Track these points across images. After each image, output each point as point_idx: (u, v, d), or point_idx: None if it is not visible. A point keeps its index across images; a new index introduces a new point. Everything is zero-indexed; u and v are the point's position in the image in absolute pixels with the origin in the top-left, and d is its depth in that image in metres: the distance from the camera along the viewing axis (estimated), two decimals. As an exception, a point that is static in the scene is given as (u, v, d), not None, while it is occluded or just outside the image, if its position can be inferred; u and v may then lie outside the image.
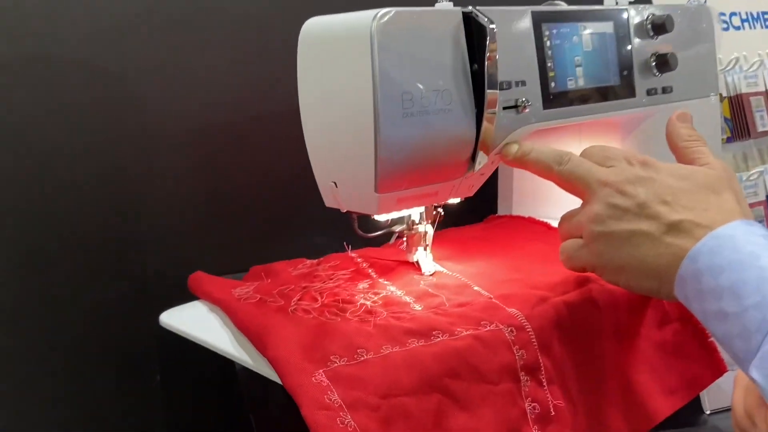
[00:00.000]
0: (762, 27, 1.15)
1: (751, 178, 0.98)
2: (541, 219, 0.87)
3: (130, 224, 0.83)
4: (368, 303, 0.61)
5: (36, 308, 0.77)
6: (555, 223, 0.83)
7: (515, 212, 0.91)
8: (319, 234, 0.97)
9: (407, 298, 0.62)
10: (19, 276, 0.76)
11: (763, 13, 1.16)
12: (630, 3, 0.80)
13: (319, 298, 0.62)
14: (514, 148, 0.65)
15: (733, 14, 1.12)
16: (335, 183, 0.64)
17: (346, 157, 0.62)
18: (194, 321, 0.64)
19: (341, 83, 0.60)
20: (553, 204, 0.87)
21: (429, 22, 0.60)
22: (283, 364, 0.51)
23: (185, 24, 0.85)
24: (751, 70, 1.03)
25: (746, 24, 1.13)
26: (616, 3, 0.79)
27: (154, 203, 0.85)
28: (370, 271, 0.70)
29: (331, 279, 0.68)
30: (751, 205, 0.99)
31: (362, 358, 0.52)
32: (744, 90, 1.02)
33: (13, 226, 0.75)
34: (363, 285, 0.66)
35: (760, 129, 1.02)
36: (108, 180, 0.81)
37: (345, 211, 0.66)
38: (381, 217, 0.66)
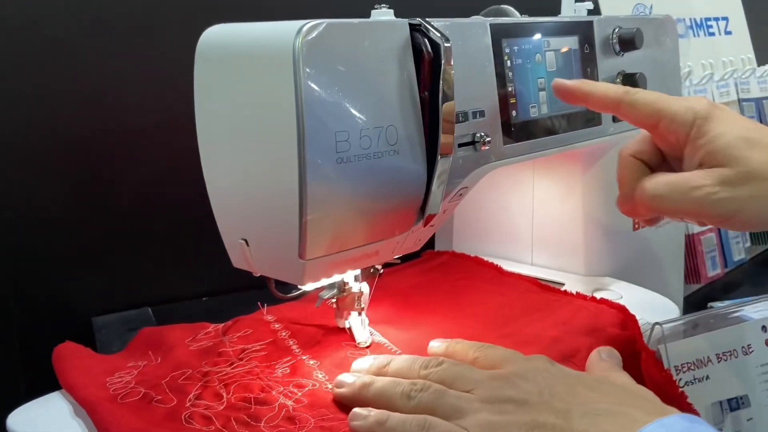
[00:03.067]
0: (705, 35, 1.08)
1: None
2: (486, 257, 0.75)
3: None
4: (290, 404, 0.47)
5: None
6: (504, 264, 0.72)
7: (456, 248, 0.79)
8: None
9: (341, 393, 0.49)
10: None
11: (706, 20, 1.09)
12: (588, 12, 0.69)
13: (224, 395, 0.48)
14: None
15: (678, 21, 1.03)
16: (246, 241, 0.50)
17: (260, 210, 0.48)
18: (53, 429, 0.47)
19: (252, 117, 0.46)
20: (498, 240, 0.76)
21: (368, 38, 0.46)
22: None
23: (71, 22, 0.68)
24: (701, 83, 0.95)
25: (690, 32, 1.05)
26: (575, 11, 0.68)
27: (18, 223, 0.72)
28: (291, 343, 0.56)
29: (241, 360, 0.53)
30: (703, 232, 0.91)
31: None
32: (694, 106, 0.94)
33: None
34: (282, 369, 0.52)
35: (710, 148, 0.95)
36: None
37: (258, 275, 0.51)
38: (308, 287, 0.52)
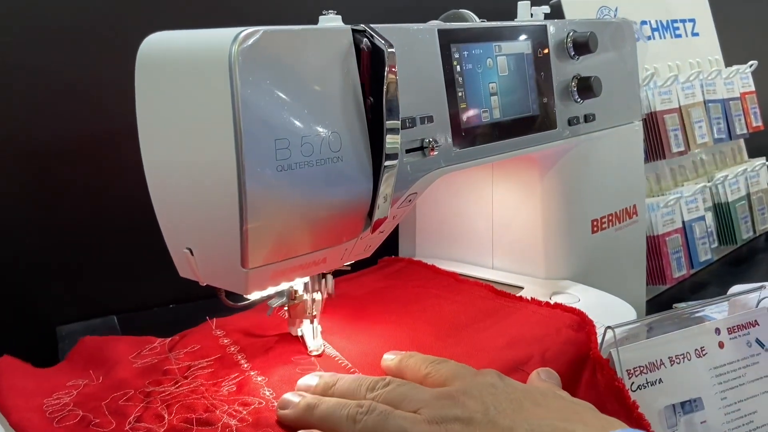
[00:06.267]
0: (672, 37, 1.08)
1: (669, 204, 0.90)
2: (449, 261, 0.75)
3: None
4: (233, 423, 0.46)
5: None
6: (465, 269, 0.72)
7: (419, 253, 0.79)
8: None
9: (286, 412, 0.48)
10: None
11: (673, 21, 1.09)
12: (546, 15, 0.69)
13: (165, 416, 0.47)
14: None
15: (643, 23, 1.04)
16: (190, 250, 0.49)
17: (202, 219, 0.47)
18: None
19: (192, 124, 0.45)
20: (460, 245, 0.76)
21: (309, 45, 0.46)
22: None
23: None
24: (665, 85, 0.96)
25: (656, 34, 1.06)
26: (531, 16, 0.68)
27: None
28: (239, 357, 0.55)
29: (186, 378, 0.52)
30: (668, 233, 0.91)
31: None
32: (659, 107, 0.94)
33: None
34: (229, 387, 0.50)
35: (675, 150, 0.95)
36: None
37: (205, 284, 0.51)
38: (253, 296, 0.51)
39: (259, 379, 0.51)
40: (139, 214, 0.81)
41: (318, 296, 0.56)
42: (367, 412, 0.44)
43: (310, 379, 0.50)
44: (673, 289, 0.94)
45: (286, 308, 0.57)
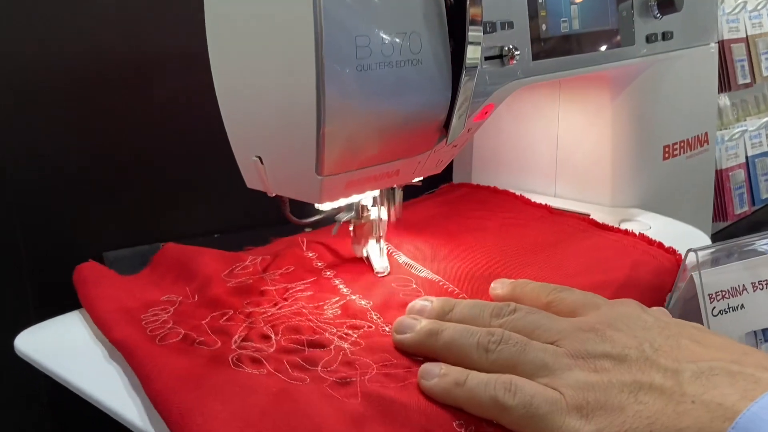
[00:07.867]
0: (739, -36, 1.02)
1: (734, 137, 0.86)
2: (507, 188, 0.72)
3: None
4: (346, 347, 0.43)
5: None
6: (526, 196, 0.69)
7: (474, 179, 0.76)
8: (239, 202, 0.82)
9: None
10: None
11: (740, -53, 1.03)
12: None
13: (272, 336, 0.44)
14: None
15: (710, -52, 0.98)
16: (260, 158, 0.47)
17: (275, 124, 0.45)
18: (77, 354, 0.45)
19: (267, 22, 0.43)
20: (520, 170, 0.73)
21: (392, -64, 0.42)
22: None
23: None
24: (733, 13, 0.91)
25: (723, -40, 1.00)
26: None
27: (27, 156, 0.68)
28: (337, 282, 0.52)
29: (285, 299, 0.49)
30: (731, 168, 0.88)
31: None
32: (726, 36, 0.90)
33: None
34: (333, 310, 0.48)
35: (741, 81, 0.91)
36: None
37: (273, 195, 0.49)
38: (325, 206, 0.49)
39: (363, 302, 0.49)
40: (186, 142, 0.80)
41: (385, 215, 0.54)
42: (500, 341, 0.38)
43: (423, 303, 0.45)
44: (731, 227, 0.91)
45: (351, 228, 0.55)
